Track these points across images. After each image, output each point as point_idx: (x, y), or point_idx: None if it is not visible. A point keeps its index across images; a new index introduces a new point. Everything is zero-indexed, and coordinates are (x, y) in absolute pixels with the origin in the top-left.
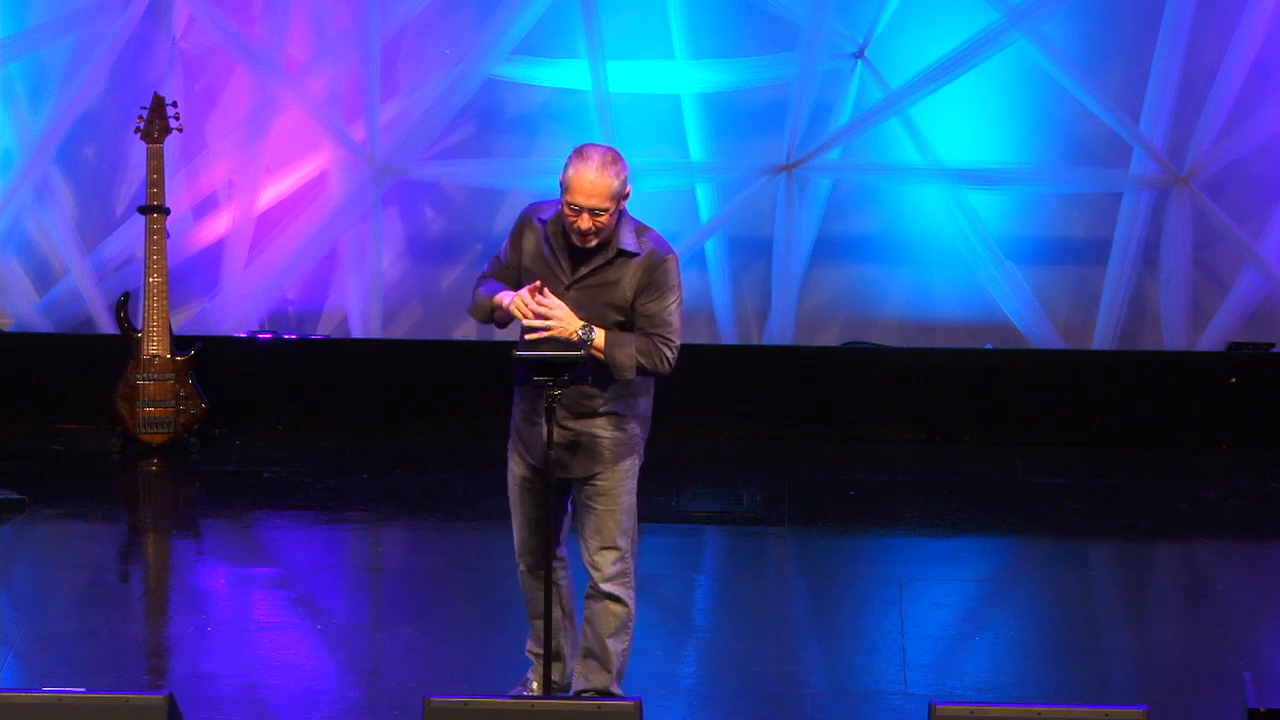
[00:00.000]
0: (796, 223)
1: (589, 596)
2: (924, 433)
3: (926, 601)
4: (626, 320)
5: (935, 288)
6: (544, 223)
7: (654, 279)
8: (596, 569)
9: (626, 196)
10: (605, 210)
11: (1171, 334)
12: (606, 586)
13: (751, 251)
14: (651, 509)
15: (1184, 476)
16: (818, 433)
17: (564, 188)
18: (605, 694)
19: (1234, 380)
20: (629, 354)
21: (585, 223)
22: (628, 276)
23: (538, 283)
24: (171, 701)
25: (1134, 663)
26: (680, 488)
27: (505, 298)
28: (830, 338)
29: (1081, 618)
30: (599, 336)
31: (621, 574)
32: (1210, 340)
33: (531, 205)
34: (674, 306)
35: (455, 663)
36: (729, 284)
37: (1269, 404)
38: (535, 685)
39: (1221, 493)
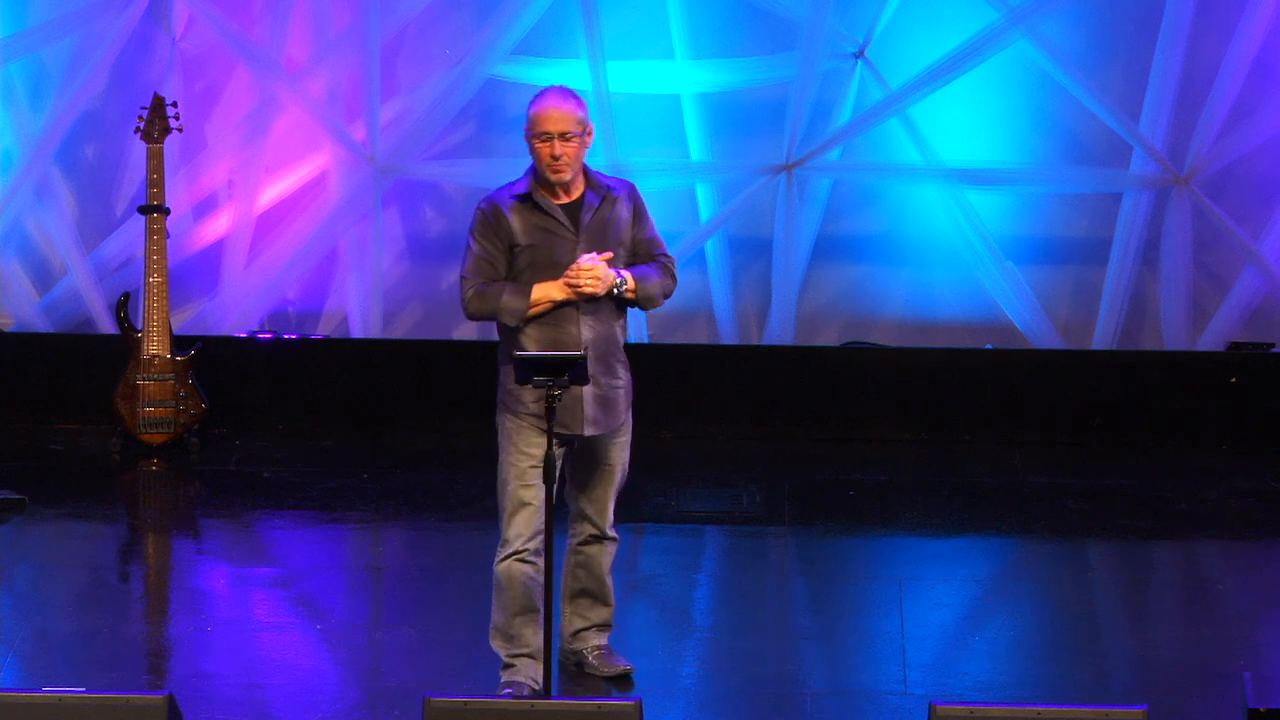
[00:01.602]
0: (796, 223)
1: (586, 543)
2: (924, 433)
3: (926, 601)
4: (628, 254)
5: (935, 288)
6: (519, 196)
7: (639, 204)
8: (602, 517)
9: (591, 134)
10: (574, 135)
11: (1171, 334)
12: (610, 530)
13: (751, 251)
14: (651, 509)
15: (1184, 476)
16: (818, 433)
17: (532, 124)
18: (607, 625)
19: (1234, 380)
20: (656, 284)
21: (557, 149)
22: (622, 208)
23: (592, 254)
24: (171, 701)
25: (1134, 663)
26: (680, 488)
27: (549, 290)
28: (830, 338)
29: (1081, 618)
30: (629, 278)
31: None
32: (1210, 340)
33: (487, 199)
34: (655, 225)
35: (455, 663)
36: (729, 284)
37: (1269, 404)
38: (520, 679)
39: (1221, 493)
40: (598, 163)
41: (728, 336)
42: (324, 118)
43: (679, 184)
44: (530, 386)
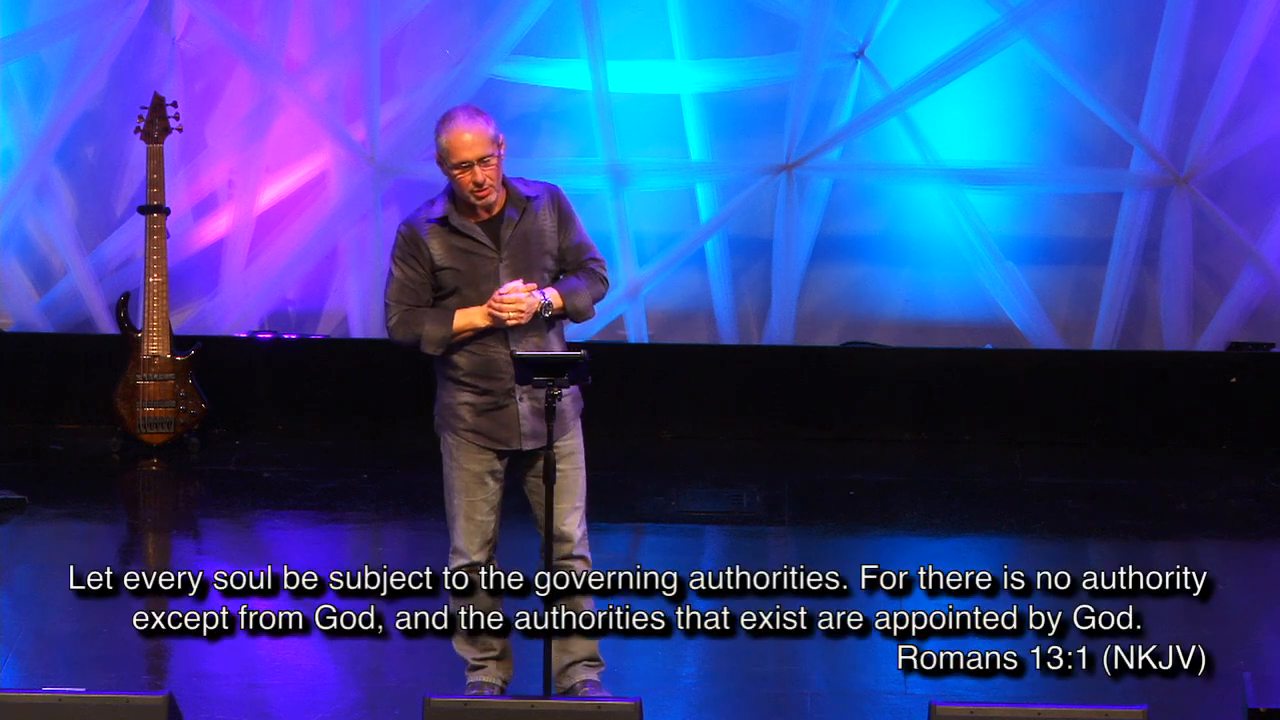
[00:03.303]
0: (796, 223)
1: (555, 568)
2: (924, 433)
3: (927, 601)
4: (556, 263)
5: (935, 288)
6: (437, 220)
7: (563, 209)
8: (567, 537)
9: (503, 145)
10: (491, 156)
11: (1171, 334)
12: (578, 550)
13: (751, 251)
14: (651, 509)
15: (1184, 476)
16: (818, 433)
17: (447, 154)
18: (594, 659)
19: (1234, 380)
20: (584, 296)
21: (479, 174)
22: (545, 218)
23: (516, 281)
24: (171, 701)
25: (1134, 661)
26: (680, 488)
27: (473, 317)
28: (830, 338)
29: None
30: (555, 297)
31: (585, 534)
32: (1210, 340)
33: (406, 222)
34: (584, 227)
35: (455, 663)
36: (729, 284)
37: (1269, 404)
38: (489, 680)
39: (1221, 493)
40: (598, 163)
41: (728, 336)
42: (324, 118)
43: (679, 184)
44: (466, 403)
